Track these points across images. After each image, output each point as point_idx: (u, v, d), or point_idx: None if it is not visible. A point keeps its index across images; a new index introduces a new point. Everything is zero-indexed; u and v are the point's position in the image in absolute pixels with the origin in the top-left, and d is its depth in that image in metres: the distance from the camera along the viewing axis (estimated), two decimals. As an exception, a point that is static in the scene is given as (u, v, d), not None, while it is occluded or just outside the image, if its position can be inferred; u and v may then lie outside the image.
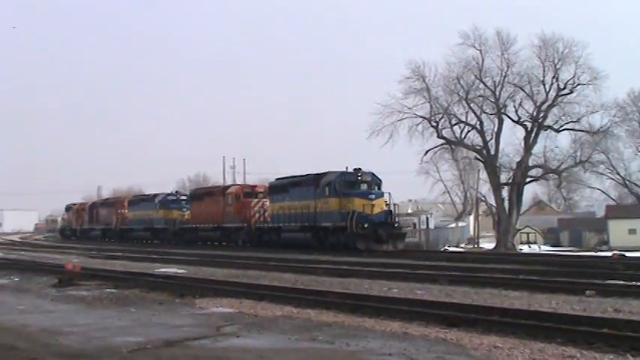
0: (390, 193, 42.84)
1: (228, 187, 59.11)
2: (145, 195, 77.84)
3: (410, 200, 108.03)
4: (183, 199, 65.37)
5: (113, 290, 20.85)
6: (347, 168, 42.87)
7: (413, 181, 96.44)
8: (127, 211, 73.74)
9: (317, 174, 44.83)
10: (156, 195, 70.23)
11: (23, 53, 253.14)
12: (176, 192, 72.95)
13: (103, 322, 14.48)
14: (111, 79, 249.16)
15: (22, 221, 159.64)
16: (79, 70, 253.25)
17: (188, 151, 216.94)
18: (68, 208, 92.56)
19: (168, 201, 65.81)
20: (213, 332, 12.75)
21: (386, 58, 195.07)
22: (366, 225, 39.26)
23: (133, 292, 20.24)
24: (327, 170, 44.30)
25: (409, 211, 79.89)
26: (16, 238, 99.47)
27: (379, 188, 42.33)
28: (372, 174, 42.82)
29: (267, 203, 50.11)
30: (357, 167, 42.49)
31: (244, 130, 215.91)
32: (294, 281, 22.60)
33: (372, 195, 40.84)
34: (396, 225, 41.56)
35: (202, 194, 61.80)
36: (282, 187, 48.18)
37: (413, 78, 53.84)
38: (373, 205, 40.19)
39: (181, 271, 28.10)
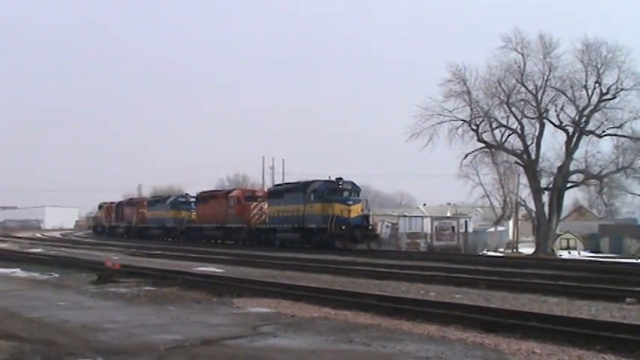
0: (367, 200, 51.73)
1: (231, 191, 64.74)
2: (160, 196, 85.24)
3: (449, 204, 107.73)
4: (192, 201, 70.08)
5: (152, 288, 21.00)
6: (329, 177, 49.48)
7: (452, 184, 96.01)
8: (146, 210, 78.93)
9: (305, 182, 52.18)
10: (169, 197, 77.78)
11: (73, 56, 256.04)
12: (186, 194, 76.16)
13: (141, 319, 14.58)
14: (154, 79, 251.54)
15: (63, 218, 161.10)
16: (123, 70, 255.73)
17: (228, 151, 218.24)
18: (100, 207, 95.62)
19: (179, 202, 71.49)
20: (250, 332, 12.76)
21: (428, 62, 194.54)
22: (343, 227, 45.11)
23: (171, 290, 20.35)
24: (315, 179, 50.89)
25: (448, 214, 79.65)
26: (57, 234, 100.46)
27: (358, 196, 48.83)
28: (352, 183, 49.14)
29: (266, 206, 55.71)
30: (339, 177, 48.69)
31: (284, 130, 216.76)
32: (331, 282, 22.62)
33: (350, 201, 46.67)
34: (370, 227, 47.81)
35: (207, 197, 67.15)
36: (278, 193, 54.94)
37: (454, 81, 53.47)
38: (350, 210, 46.04)
39: (219, 270, 28.22)
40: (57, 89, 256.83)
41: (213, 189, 74.10)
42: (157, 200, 79.78)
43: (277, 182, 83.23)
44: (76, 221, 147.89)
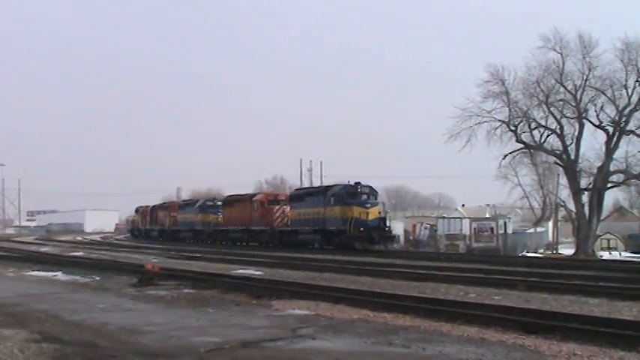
0: (384, 203, 53.78)
1: (255, 195, 66.43)
2: (190, 200, 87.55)
3: (487, 205, 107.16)
4: (219, 205, 72.12)
5: (191, 290, 21.10)
6: (348, 181, 52.01)
7: (491, 185, 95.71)
8: (177, 214, 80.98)
9: (326, 186, 55.67)
10: (197, 201, 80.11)
11: (112, 61, 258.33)
12: (213, 198, 78.94)
13: (181, 321, 14.66)
14: (194, 85, 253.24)
15: (103, 221, 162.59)
16: (166, 76, 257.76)
17: (267, 154, 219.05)
18: (137, 210, 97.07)
19: (207, 206, 73.69)
20: (290, 334, 12.80)
21: (467, 63, 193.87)
22: (362, 229, 46.83)
23: (210, 292, 20.45)
24: (335, 183, 54.43)
25: (487, 215, 79.22)
26: (97, 237, 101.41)
27: (375, 199, 50.73)
28: (370, 187, 51.25)
29: (288, 209, 57.64)
30: (358, 181, 51.00)
31: (322, 133, 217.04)
32: (370, 284, 22.56)
33: (368, 204, 48.43)
34: (386, 229, 48.70)
35: (233, 201, 69.32)
36: (299, 197, 56.90)
37: (492, 81, 53.27)
38: (368, 213, 47.63)
39: (258, 272, 28.26)
40: (98, 94, 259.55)
41: (240, 193, 76.18)
42: (187, 204, 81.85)
43: (316, 184, 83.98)
44: (116, 224, 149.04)
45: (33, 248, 58.05)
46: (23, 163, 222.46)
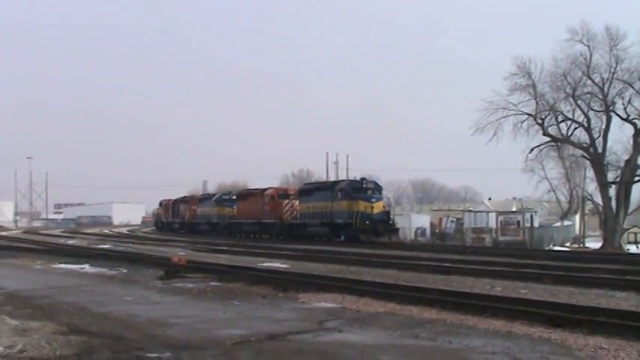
0: (388, 198, 60.62)
1: (266, 189, 67.89)
2: (208, 194, 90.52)
3: (514, 198, 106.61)
4: (234, 198, 75.00)
5: (218, 283, 21.18)
6: (355, 177, 55.82)
7: (517, 178, 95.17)
8: (196, 207, 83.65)
9: (333, 181, 61.32)
10: (214, 195, 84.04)
11: (142, 51, 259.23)
12: (229, 192, 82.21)
13: (207, 314, 14.74)
14: (223, 79, 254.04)
15: (129, 214, 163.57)
16: (194, 71, 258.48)
17: (293, 147, 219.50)
18: (160, 204, 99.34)
19: (222, 200, 76.78)
20: (316, 327, 12.84)
21: (493, 56, 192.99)
22: (367, 222, 49.41)
23: (237, 285, 20.51)
24: (341, 179, 59.62)
25: (513, 209, 78.83)
26: (124, 230, 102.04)
27: (380, 194, 53.39)
28: (375, 182, 55.58)
29: (297, 203, 60.54)
30: (363, 177, 55.22)
31: (349, 126, 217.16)
32: (396, 277, 22.52)
33: (373, 199, 50.99)
34: (390, 222, 52.17)
35: (246, 195, 72.63)
36: (308, 191, 59.88)
37: (519, 74, 52.89)
38: (373, 207, 50.29)
39: (284, 265, 28.30)
40: (127, 90, 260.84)
41: (249, 188, 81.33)
42: (205, 198, 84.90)
43: (342, 177, 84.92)
44: (143, 217, 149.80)
45: (60, 241, 58.42)
46: (50, 156, 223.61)
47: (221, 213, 74.82)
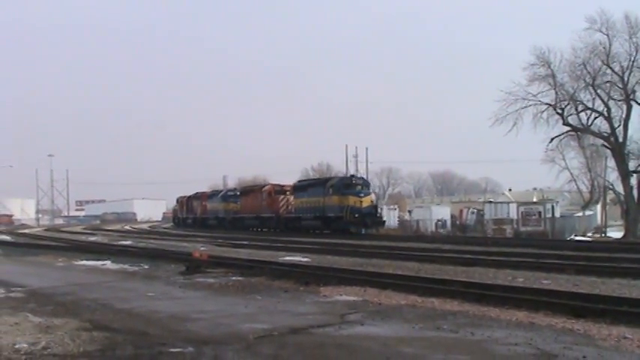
0: (375, 192, 66.96)
1: (264, 186, 73.55)
2: (216, 190, 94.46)
3: (535, 189, 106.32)
4: (238, 194, 79.39)
5: (239, 278, 21.20)
6: (346, 174, 62.19)
7: (538, 169, 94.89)
8: (206, 203, 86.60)
9: (325, 178, 66.12)
10: (221, 191, 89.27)
11: (164, 50, 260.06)
12: (234, 188, 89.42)
13: (229, 309, 14.74)
14: (241, 74, 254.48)
15: (151, 210, 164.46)
16: (212, 68, 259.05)
17: (313, 141, 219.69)
18: (177, 200, 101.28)
19: (228, 196, 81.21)
20: (338, 320, 12.81)
21: (513, 47, 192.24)
22: (356, 215, 53.56)
23: (258, 279, 20.54)
24: (332, 176, 64.91)
25: (534, 199, 78.58)
26: (145, 226, 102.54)
27: (368, 189, 58.72)
28: (363, 178, 62.66)
29: (292, 199, 64.62)
30: (352, 174, 64.18)
31: (369, 119, 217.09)
32: (417, 270, 22.53)
33: (361, 194, 55.12)
34: (378, 215, 57.15)
35: (248, 191, 77.80)
36: (302, 187, 63.86)
37: (538, 64, 52.69)
38: (362, 201, 54.33)
39: (305, 259, 28.34)
40: (145, 85, 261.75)
41: (250, 184, 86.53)
42: (214, 194, 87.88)
43: (361, 170, 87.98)
44: (164, 213, 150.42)
45: (82, 238, 58.69)
46: (71, 154, 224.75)
47: (227, 208, 78.63)
